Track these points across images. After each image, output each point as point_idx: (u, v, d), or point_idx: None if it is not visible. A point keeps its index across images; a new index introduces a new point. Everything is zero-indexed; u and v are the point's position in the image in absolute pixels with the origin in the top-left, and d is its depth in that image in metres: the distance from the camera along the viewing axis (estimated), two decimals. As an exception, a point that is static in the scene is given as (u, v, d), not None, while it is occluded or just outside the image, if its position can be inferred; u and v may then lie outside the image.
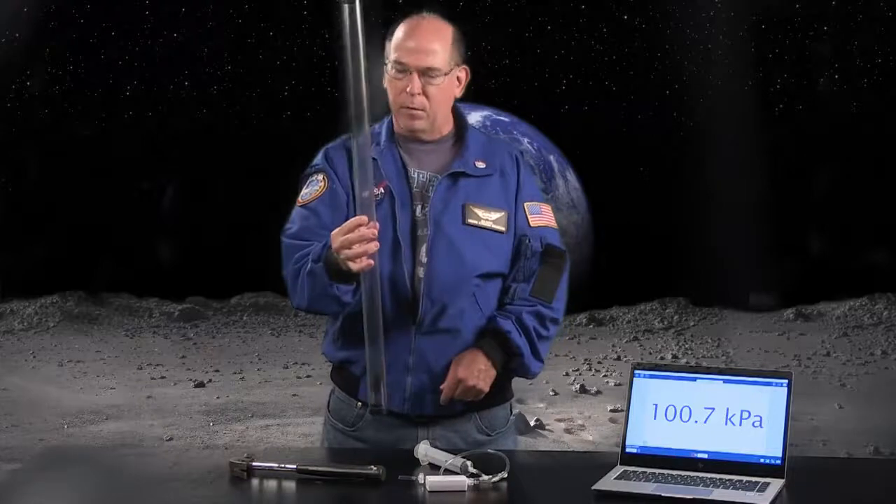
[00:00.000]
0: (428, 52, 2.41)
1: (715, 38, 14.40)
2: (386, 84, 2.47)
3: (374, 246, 2.24)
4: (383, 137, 2.49)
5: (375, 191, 2.39)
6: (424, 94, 2.41)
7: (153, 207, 15.25)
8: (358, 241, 2.22)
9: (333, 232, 2.26)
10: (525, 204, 2.51)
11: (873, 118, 14.46)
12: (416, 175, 2.46)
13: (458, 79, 2.48)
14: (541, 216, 2.53)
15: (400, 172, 2.46)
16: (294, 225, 2.45)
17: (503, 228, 2.47)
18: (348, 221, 2.25)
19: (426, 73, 2.41)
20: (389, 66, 2.43)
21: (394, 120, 2.49)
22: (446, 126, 2.51)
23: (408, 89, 2.41)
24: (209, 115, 15.39)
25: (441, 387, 2.40)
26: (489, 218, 2.46)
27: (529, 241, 2.48)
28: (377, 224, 2.26)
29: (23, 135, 15.02)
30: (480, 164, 2.49)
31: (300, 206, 2.47)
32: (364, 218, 2.24)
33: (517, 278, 2.48)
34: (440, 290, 2.41)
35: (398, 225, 2.41)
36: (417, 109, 2.43)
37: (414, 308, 2.40)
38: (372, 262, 2.26)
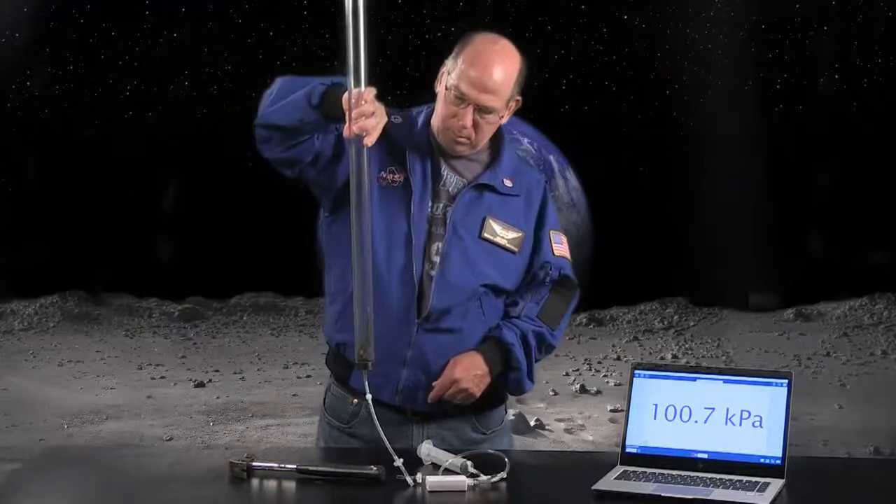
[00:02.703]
0: (490, 90, 2.38)
1: (715, 38, 14.40)
2: (437, 90, 2.45)
3: (370, 123, 2.18)
4: (419, 126, 2.48)
5: (396, 177, 2.40)
6: (474, 126, 2.41)
7: (153, 207, 15.25)
8: (358, 115, 2.17)
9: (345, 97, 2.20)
10: (550, 232, 2.53)
11: (873, 118, 14.46)
12: (445, 174, 2.47)
13: (508, 108, 2.47)
14: (561, 246, 2.55)
15: (427, 167, 2.46)
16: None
17: (516, 249, 2.48)
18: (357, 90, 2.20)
19: (483, 109, 2.40)
20: (450, 87, 2.40)
21: (434, 130, 2.47)
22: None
23: (460, 122, 2.40)
24: (209, 115, 15.39)
25: (433, 383, 2.40)
26: (505, 236, 2.47)
27: (551, 268, 2.50)
28: (377, 104, 2.20)
29: (23, 135, 15.02)
30: (508, 183, 2.50)
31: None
32: (373, 90, 2.19)
33: (525, 297, 2.49)
34: (449, 292, 2.41)
35: (413, 218, 2.41)
36: (464, 139, 2.43)
37: (420, 304, 2.41)
38: (365, 138, 2.19)
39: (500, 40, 2.43)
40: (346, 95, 2.18)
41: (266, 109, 2.34)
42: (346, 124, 2.18)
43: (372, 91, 2.19)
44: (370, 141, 2.20)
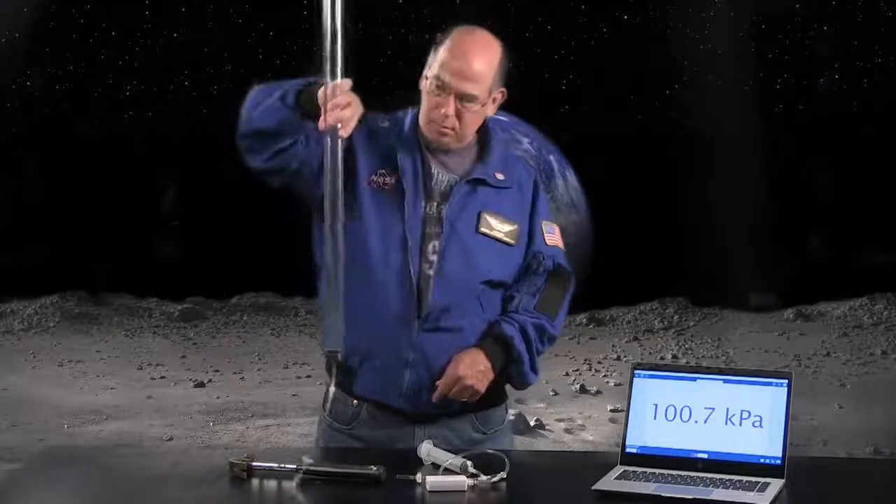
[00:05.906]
0: (470, 78, 2.39)
1: (715, 38, 14.40)
2: (421, 87, 2.46)
3: (345, 114, 2.20)
4: (406, 127, 2.49)
5: (387, 179, 2.40)
6: (457, 116, 2.42)
7: (153, 207, 15.25)
8: (333, 106, 2.19)
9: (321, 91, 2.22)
10: (542, 222, 2.54)
11: (873, 118, 14.45)
12: (436, 173, 2.47)
13: (493, 100, 2.48)
14: (553, 236, 2.56)
15: (418, 167, 2.46)
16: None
17: (513, 242, 2.49)
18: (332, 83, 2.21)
19: (464, 97, 2.40)
20: (430, 77, 2.42)
21: (421, 126, 2.48)
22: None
23: (442, 110, 2.41)
24: (209, 115, 15.39)
25: (437, 383, 2.40)
26: (501, 229, 2.48)
27: (544, 258, 2.51)
28: (352, 96, 2.22)
29: (23, 135, 15.02)
30: (500, 176, 2.51)
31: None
32: (348, 82, 2.21)
33: (521, 290, 2.49)
34: (448, 290, 2.42)
35: (407, 219, 2.41)
36: (448, 129, 2.43)
37: (420, 304, 2.41)
38: (340, 129, 2.20)
39: (479, 31, 2.46)
40: (321, 90, 2.20)
41: (245, 117, 2.35)
42: (322, 117, 2.19)
43: (347, 83, 2.21)
44: (345, 132, 2.22)
